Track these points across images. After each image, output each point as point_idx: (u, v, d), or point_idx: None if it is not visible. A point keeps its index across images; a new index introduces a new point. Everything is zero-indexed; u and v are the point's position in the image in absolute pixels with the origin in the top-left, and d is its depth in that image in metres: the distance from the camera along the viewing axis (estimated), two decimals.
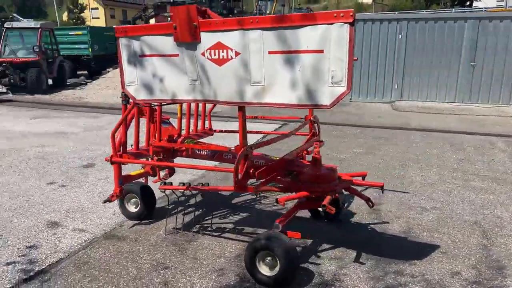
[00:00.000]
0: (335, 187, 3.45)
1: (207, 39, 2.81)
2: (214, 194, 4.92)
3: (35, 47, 13.33)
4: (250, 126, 3.35)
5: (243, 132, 2.96)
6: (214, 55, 2.81)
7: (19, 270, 3.28)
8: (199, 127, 4.66)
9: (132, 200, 4.21)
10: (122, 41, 3.19)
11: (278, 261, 2.94)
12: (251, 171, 3.02)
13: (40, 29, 13.84)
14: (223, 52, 2.78)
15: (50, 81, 14.88)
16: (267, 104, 2.78)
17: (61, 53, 15.54)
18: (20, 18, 16.05)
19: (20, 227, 4.05)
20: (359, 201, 4.60)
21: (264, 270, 3.02)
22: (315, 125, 4.16)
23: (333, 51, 2.48)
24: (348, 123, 9.06)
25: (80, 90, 14.94)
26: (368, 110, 10.68)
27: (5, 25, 14.04)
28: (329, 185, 3.45)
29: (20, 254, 3.52)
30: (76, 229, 4.02)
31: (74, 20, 48.59)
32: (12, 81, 13.11)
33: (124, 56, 3.21)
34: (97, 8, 51.76)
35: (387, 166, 6.00)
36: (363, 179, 3.81)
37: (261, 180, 3.17)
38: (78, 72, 17.55)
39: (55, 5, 45.25)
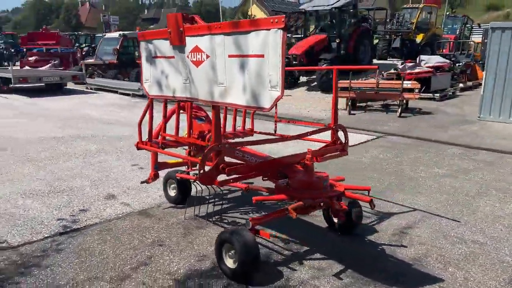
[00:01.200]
0: (321, 195, 3.40)
1: (190, 43, 3.14)
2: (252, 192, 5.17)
3: (114, 50, 15.73)
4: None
5: (216, 129, 3.20)
6: (194, 57, 3.13)
7: (61, 226, 4.12)
8: (237, 127, 4.96)
9: (172, 186, 4.77)
10: (142, 44, 3.74)
11: (237, 255, 3.10)
12: (221, 166, 3.23)
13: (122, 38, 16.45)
14: (199, 54, 3.08)
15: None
16: (229, 104, 2.97)
17: None
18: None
19: (87, 195, 4.99)
20: (391, 221, 4.33)
21: (229, 262, 3.20)
22: (339, 133, 4.09)
23: (271, 56, 2.57)
24: (454, 141, 8.14)
25: None
26: (494, 130, 9.34)
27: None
28: (316, 193, 3.42)
29: (71, 214, 4.39)
30: (123, 203, 4.76)
31: None
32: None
33: (143, 57, 3.77)
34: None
35: (461, 191, 5.33)
36: (368, 193, 3.62)
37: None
38: None
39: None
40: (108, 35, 19.29)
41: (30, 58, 22.36)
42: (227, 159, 3.47)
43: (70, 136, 8.14)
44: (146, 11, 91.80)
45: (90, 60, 17.98)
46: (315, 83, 14.28)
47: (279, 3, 50.11)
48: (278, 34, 2.50)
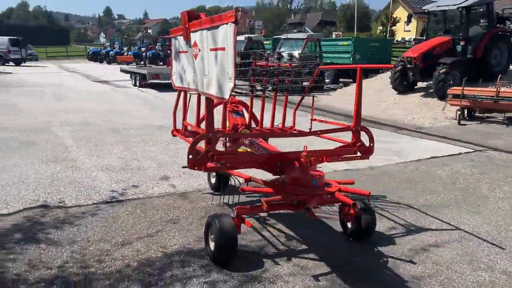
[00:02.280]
0: (305, 193, 3.35)
1: (192, 38, 3.42)
2: None
3: (288, 54, 15.75)
4: None
5: (208, 119, 3.40)
6: (194, 51, 3.40)
7: (110, 196, 4.80)
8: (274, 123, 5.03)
9: (214, 173, 5.13)
10: (172, 41, 4.15)
11: (214, 239, 3.28)
12: (210, 154, 3.42)
13: (305, 40, 16.19)
14: (195, 49, 3.34)
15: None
16: (210, 95, 3.16)
17: (324, 61, 17.60)
18: (309, 31, 19.04)
19: (148, 174, 5.65)
20: (418, 236, 3.99)
21: (211, 245, 3.40)
22: (360, 135, 3.93)
23: (228, 49, 2.70)
24: None
25: (322, 94, 16.38)
26: None
27: (282, 36, 17.22)
28: (301, 190, 3.38)
29: (123, 188, 5.07)
30: (171, 184, 5.29)
31: (384, 34, 51.37)
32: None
33: (173, 52, 4.17)
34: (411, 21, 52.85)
35: None
36: (368, 199, 3.41)
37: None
38: (341, 80, 19.18)
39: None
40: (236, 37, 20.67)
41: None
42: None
43: (169, 126, 9.14)
44: (292, 16, 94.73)
45: None
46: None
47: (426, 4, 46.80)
48: (231, 27, 2.63)
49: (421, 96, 13.69)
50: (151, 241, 3.73)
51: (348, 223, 3.91)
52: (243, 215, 3.43)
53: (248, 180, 3.86)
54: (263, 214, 4.32)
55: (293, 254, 3.59)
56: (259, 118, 4.95)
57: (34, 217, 4.13)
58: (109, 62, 35.62)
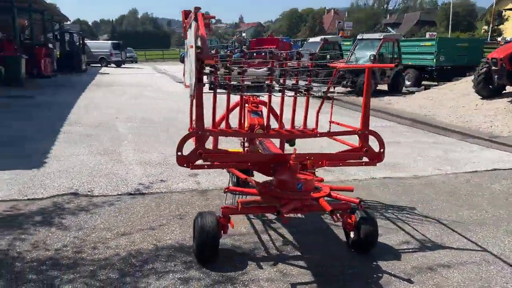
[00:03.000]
0: (286, 196, 3.21)
1: (188, 36, 3.48)
2: None
3: (370, 55, 15.02)
4: None
5: (198, 116, 3.40)
6: (188, 49, 3.46)
7: (136, 188, 5.06)
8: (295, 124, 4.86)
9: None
10: (185, 41, 4.24)
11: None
12: (198, 151, 3.42)
13: (382, 40, 15.39)
14: (187, 46, 3.39)
15: (383, 88, 16.39)
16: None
17: (405, 62, 16.59)
18: (391, 31, 18.14)
19: (178, 170, 5.79)
20: (432, 254, 3.62)
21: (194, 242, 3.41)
22: (367, 140, 3.67)
23: (188, 46, 2.71)
24: None
25: (398, 97, 15.37)
26: None
27: (358, 36, 16.56)
28: (283, 193, 3.25)
29: (151, 182, 5.31)
30: (197, 181, 5.41)
31: (489, 33, 46.96)
32: (349, 84, 15.46)
33: (185, 51, 4.27)
34: None
35: None
36: (360, 206, 3.16)
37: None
38: (424, 82, 17.92)
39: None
40: (312, 39, 20.44)
41: (256, 61, 25.88)
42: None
43: None
44: (388, 16, 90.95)
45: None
46: None
47: None
48: (193, 25, 2.63)
49: (509, 102, 12.29)
50: (149, 233, 3.85)
51: (350, 233, 3.67)
52: (229, 215, 3.39)
53: (244, 180, 3.81)
54: (272, 216, 4.24)
55: (282, 259, 3.46)
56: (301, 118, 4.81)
57: (60, 203, 4.51)
58: None
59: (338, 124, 4.61)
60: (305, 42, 20.60)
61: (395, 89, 16.23)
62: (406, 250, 3.68)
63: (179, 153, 3.43)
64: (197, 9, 2.63)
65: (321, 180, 4.17)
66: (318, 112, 4.82)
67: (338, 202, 3.59)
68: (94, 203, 4.54)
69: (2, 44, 17.78)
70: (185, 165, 3.47)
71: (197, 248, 3.28)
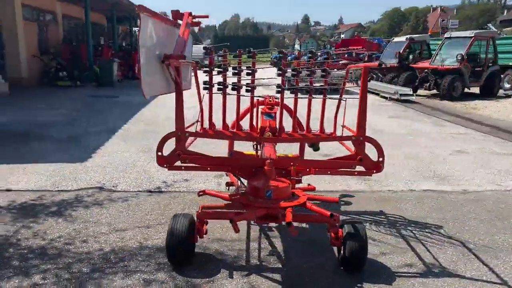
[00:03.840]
0: (249, 203, 2.99)
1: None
2: None
3: (458, 55, 13.58)
4: None
5: (177, 117, 3.34)
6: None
7: (156, 186, 5.18)
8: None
9: None
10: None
11: None
12: (177, 152, 3.35)
13: (472, 38, 13.84)
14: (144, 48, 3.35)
15: (474, 90, 14.72)
16: None
17: (504, 63, 14.77)
18: (492, 28, 16.35)
19: (203, 173, 5.84)
20: (436, 280, 3.15)
21: None
22: (363, 147, 3.30)
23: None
24: None
25: (489, 102, 13.62)
26: None
27: (445, 35, 15.12)
28: (253, 201, 3.03)
29: (173, 180, 5.39)
30: (218, 182, 5.37)
31: None
32: (432, 86, 14.18)
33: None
34: None
35: None
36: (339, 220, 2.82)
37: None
38: None
39: None
40: (397, 39, 19.19)
41: (341, 63, 25.14)
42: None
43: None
44: (505, 12, 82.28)
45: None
46: None
47: None
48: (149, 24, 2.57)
49: None
50: (142, 231, 3.90)
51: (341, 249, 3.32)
52: (205, 219, 3.28)
53: (229, 184, 3.66)
54: (272, 224, 4.03)
55: (258, 270, 3.25)
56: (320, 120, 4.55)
57: (81, 196, 4.79)
58: None
59: (349, 129, 4.23)
60: (389, 42, 19.47)
61: (488, 92, 14.55)
62: (404, 274, 3.22)
63: (159, 153, 3.41)
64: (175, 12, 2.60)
65: (312, 189, 3.87)
66: (336, 115, 4.47)
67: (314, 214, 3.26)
68: (111, 198, 4.74)
69: (102, 49, 19.69)
70: (164, 165, 3.44)
71: (167, 251, 3.22)
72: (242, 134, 3.61)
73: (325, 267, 3.32)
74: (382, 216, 4.36)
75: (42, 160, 6.14)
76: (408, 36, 17.61)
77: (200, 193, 3.35)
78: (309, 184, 4.03)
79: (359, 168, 3.40)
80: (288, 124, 3.82)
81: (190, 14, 3.50)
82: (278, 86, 4.31)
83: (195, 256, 3.41)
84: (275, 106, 4.65)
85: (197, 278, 3.12)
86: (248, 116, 3.84)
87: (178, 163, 3.42)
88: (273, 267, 3.33)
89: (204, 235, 3.33)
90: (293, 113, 4.36)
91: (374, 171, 3.36)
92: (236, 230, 2.91)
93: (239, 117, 4.53)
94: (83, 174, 5.58)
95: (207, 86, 3.56)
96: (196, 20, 3.61)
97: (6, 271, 3.15)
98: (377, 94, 15.57)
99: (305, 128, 4.33)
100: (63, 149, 6.84)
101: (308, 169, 3.36)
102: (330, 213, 2.98)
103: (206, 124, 3.76)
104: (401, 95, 13.50)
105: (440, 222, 4.23)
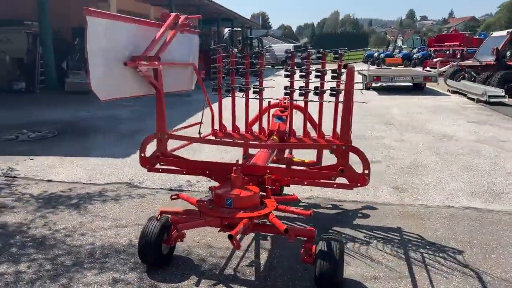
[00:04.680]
0: (209, 213, 2.85)
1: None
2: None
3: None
4: None
5: (158, 118, 3.31)
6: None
7: (179, 185, 5.26)
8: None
9: None
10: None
11: None
12: (156, 155, 3.32)
13: (508, 36, 11.99)
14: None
15: None
16: None
17: None
18: None
19: None
20: None
21: None
22: (346, 157, 2.99)
23: None
24: None
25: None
26: None
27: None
28: (209, 209, 2.89)
29: (198, 180, 5.42)
30: None
31: None
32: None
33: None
34: None
35: None
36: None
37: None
38: None
39: None
40: (496, 33, 17.05)
41: (434, 60, 23.20)
42: None
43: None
44: None
45: (468, 62, 16.76)
46: None
47: None
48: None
49: None
50: (139, 229, 3.97)
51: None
52: (178, 224, 3.22)
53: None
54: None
55: (228, 281, 3.11)
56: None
57: (106, 190, 5.05)
58: (378, 65, 35.81)
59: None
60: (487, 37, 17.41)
61: None
62: None
63: (142, 155, 3.44)
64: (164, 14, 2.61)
65: (293, 199, 3.60)
66: (335, 118, 4.09)
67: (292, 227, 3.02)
68: (130, 194, 4.93)
69: None
70: (146, 166, 3.46)
71: (138, 253, 3.23)
72: (236, 136, 3.54)
73: (301, 286, 3.06)
74: (396, 234, 3.91)
75: (91, 154, 6.63)
76: (510, 30, 15.56)
77: (173, 197, 3.30)
78: (293, 194, 3.77)
79: (343, 180, 3.07)
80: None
81: (177, 16, 3.45)
82: (286, 88, 4.12)
83: (175, 259, 3.39)
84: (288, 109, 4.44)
85: (163, 283, 3.09)
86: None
87: (158, 165, 3.42)
88: (245, 279, 3.16)
89: (182, 240, 3.29)
90: (304, 117, 4.12)
91: (358, 185, 3.00)
92: (181, 237, 2.82)
93: (251, 121, 4.41)
94: (119, 169, 5.88)
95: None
96: (187, 21, 3.55)
97: (1, 258, 3.43)
98: (465, 95, 14.09)
99: (316, 132, 4.07)
100: (114, 144, 7.30)
101: (286, 178, 3.11)
102: (285, 228, 2.71)
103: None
104: (490, 96, 12.01)
105: (463, 246, 3.65)
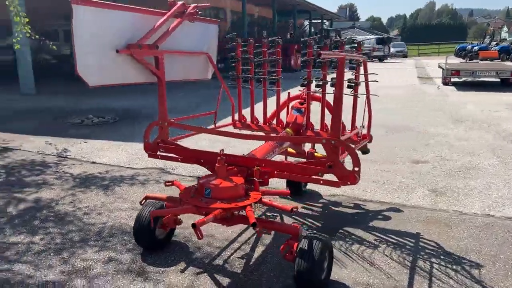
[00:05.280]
0: (187, 201, 2.83)
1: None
2: None
3: None
4: None
5: (160, 105, 3.36)
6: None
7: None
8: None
9: None
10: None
11: None
12: (157, 142, 3.39)
13: None
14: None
15: None
16: None
17: None
18: None
19: None
20: None
21: None
22: (336, 153, 2.80)
23: None
24: None
25: None
26: None
27: None
28: (187, 199, 2.88)
29: None
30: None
31: None
32: None
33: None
34: None
35: None
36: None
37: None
38: None
39: None
40: None
41: None
42: None
43: (395, 128, 8.29)
44: None
45: None
46: None
47: None
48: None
49: None
50: None
51: None
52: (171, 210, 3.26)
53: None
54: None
55: (214, 271, 3.08)
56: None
57: (138, 174, 5.29)
58: (471, 59, 32.86)
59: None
60: None
61: None
62: None
63: (146, 140, 3.53)
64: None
65: (286, 194, 3.44)
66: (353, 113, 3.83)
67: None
68: (159, 180, 5.11)
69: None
70: (148, 152, 3.55)
71: (133, 235, 3.33)
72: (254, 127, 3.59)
73: (284, 285, 2.94)
74: (411, 240, 3.58)
75: (138, 140, 6.95)
76: None
77: (168, 183, 3.33)
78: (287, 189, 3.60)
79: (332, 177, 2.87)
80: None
81: (184, 5, 3.46)
82: (304, 79, 3.96)
83: (173, 245, 3.46)
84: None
85: (151, 266, 3.15)
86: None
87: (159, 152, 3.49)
88: (231, 270, 3.11)
89: (174, 226, 3.33)
90: (322, 109, 3.93)
91: (348, 183, 2.78)
92: (170, 224, 2.83)
93: (274, 112, 4.31)
94: None
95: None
96: (194, 10, 3.55)
97: (22, 228, 3.76)
98: None
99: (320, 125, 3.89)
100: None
101: (276, 172, 3.00)
102: (253, 221, 2.60)
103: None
104: None
105: (485, 260, 3.24)
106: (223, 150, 3.05)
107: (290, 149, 4.22)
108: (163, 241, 3.39)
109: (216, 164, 2.98)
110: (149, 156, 3.56)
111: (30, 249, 3.38)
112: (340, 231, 3.77)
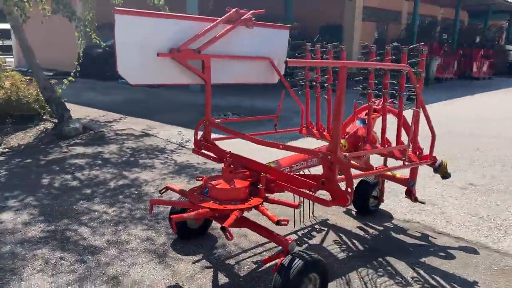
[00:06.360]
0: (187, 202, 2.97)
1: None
2: None
3: None
4: None
5: (206, 106, 3.56)
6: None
7: None
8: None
9: None
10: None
11: None
12: (200, 139, 3.61)
13: None
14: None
15: None
16: None
17: None
18: None
19: None
20: None
21: None
22: (333, 169, 2.61)
23: None
24: None
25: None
26: None
27: None
28: (194, 196, 3.00)
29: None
30: None
31: None
32: None
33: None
34: None
35: None
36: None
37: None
38: None
39: None
40: None
41: None
42: None
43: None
44: None
45: None
46: None
47: None
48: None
49: None
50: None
51: None
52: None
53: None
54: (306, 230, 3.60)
55: (221, 270, 3.18)
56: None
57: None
58: None
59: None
60: None
61: None
62: None
63: (195, 137, 3.81)
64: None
65: (294, 206, 3.19)
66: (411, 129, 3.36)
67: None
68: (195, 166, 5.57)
69: (434, 47, 19.07)
70: (195, 148, 3.80)
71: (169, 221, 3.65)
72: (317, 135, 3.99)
73: None
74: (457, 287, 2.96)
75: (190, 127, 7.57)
76: None
77: (162, 191, 3.48)
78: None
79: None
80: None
81: (237, 11, 3.57)
82: (363, 88, 3.66)
83: (207, 237, 3.67)
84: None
85: (174, 252, 3.39)
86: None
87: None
88: (236, 273, 3.14)
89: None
90: (383, 123, 3.58)
91: (342, 204, 2.50)
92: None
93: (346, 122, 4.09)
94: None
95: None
96: (249, 16, 3.63)
97: (107, 200, 4.46)
98: None
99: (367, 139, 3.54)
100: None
101: (276, 181, 2.89)
102: (222, 225, 2.55)
103: None
104: None
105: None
106: (230, 152, 3.09)
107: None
108: (196, 231, 3.62)
109: (223, 165, 3.05)
110: (194, 151, 3.82)
111: (100, 218, 4.04)
112: (379, 259, 3.37)
